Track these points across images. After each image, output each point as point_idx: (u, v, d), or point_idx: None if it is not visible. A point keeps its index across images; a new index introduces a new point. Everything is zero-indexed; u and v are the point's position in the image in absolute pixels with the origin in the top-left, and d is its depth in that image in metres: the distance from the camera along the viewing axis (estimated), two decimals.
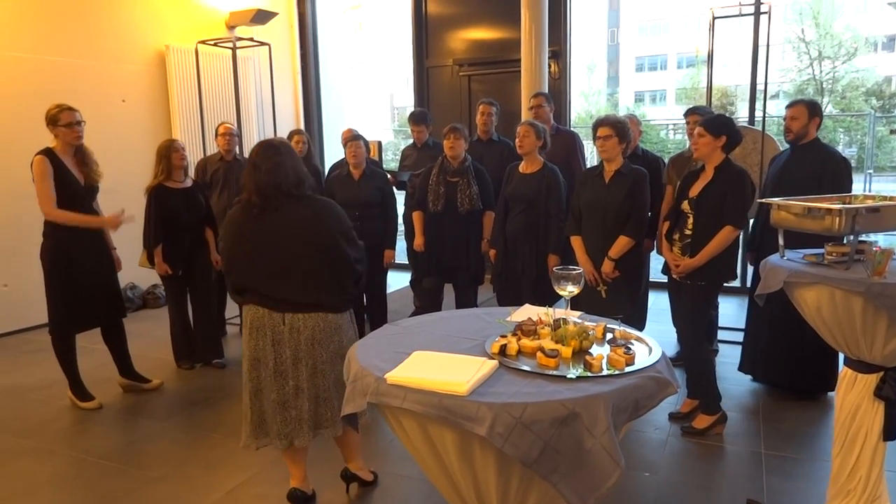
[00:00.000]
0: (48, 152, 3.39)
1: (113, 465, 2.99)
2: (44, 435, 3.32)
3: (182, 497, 2.71)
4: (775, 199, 2.66)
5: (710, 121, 3.09)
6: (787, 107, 3.54)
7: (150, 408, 3.66)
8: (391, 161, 12.38)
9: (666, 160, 4.22)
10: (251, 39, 5.75)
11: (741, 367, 3.83)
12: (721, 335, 4.39)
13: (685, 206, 3.15)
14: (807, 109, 3.44)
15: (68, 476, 2.91)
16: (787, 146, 3.68)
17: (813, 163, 3.41)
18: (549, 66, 5.90)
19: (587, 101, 29.77)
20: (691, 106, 4.15)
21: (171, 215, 3.95)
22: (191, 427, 3.39)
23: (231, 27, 6.59)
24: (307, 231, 2.30)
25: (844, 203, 2.45)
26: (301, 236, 2.29)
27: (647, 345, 1.80)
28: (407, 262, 5.11)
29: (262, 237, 2.30)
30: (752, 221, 3.89)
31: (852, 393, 2.24)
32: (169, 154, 3.93)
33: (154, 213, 3.92)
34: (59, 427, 3.43)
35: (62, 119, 3.39)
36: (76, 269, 3.45)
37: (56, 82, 5.23)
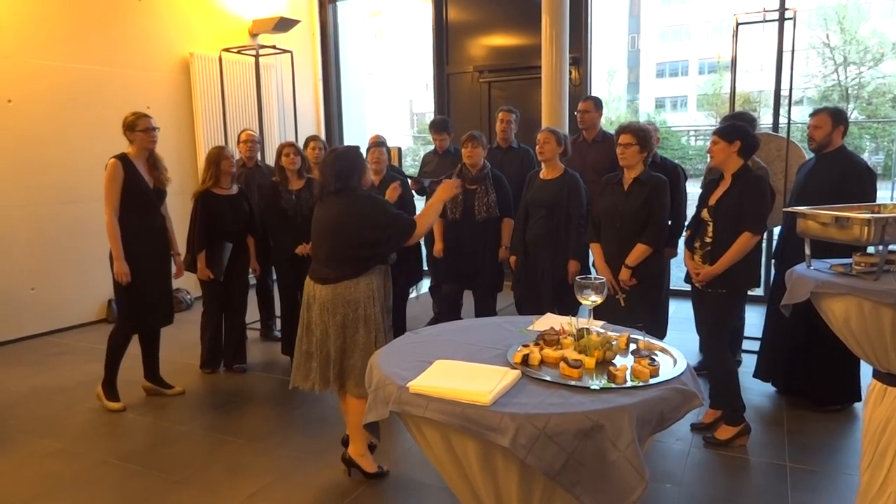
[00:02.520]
0: (123, 157, 3.50)
1: (135, 467, 3.02)
2: (68, 437, 3.37)
3: (203, 501, 2.73)
4: (801, 208, 2.62)
5: (723, 127, 3.09)
6: (811, 115, 3.48)
7: (172, 411, 3.70)
8: (410, 167, 12.43)
9: (685, 167, 4.18)
10: (273, 47, 5.82)
11: (756, 374, 3.79)
12: (746, 345, 4.33)
13: (705, 213, 3.12)
14: (830, 118, 3.38)
15: (92, 478, 2.94)
16: (812, 154, 3.63)
17: (835, 171, 3.35)
18: (570, 73, 5.88)
19: (607, 108, 29.49)
20: (727, 114, 4.07)
21: (215, 221, 4.00)
22: (213, 431, 3.42)
23: (254, 35, 6.68)
24: (335, 221, 2.71)
25: (873, 212, 2.41)
26: (331, 224, 2.71)
27: (671, 356, 1.78)
28: (426, 269, 5.12)
29: (316, 222, 2.81)
30: (777, 229, 3.84)
31: (882, 407, 2.20)
32: (219, 160, 3.99)
33: (200, 218, 3.97)
34: (83, 429, 3.47)
35: (140, 125, 3.51)
36: (140, 272, 3.52)
37: (84, 89, 5.33)
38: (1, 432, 3.43)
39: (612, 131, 3.90)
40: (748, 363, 4.16)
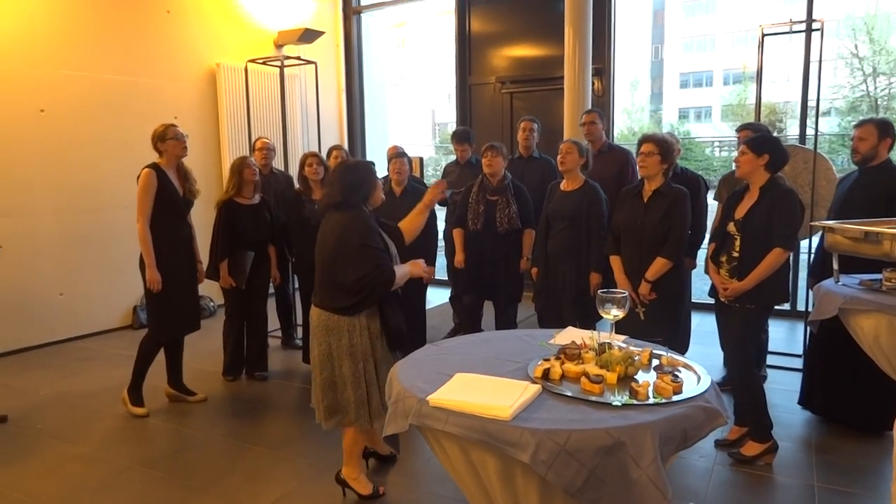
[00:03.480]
0: (155, 167, 3.56)
1: (158, 473, 3.06)
2: (93, 441, 3.42)
3: None
4: (829, 223, 2.58)
5: (753, 138, 3.02)
6: (856, 126, 3.35)
7: (194, 418, 3.73)
8: (431, 177, 12.47)
9: (707, 178, 4.13)
10: (298, 58, 5.89)
11: (801, 401, 3.61)
12: (770, 360, 4.25)
13: (731, 227, 3.06)
14: (877, 130, 3.25)
15: (116, 484, 2.98)
16: (844, 166, 3.54)
17: (880, 186, 3.21)
18: (593, 84, 5.86)
19: (630, 118, 29.47)
20: (742, 123, 4.04)
21: (238, 230, 4.05)
22: (233, 438, 3.44)
23: (279, 46, 6.77)
24: (329, 238, 2.58)
25: None
26: (325, 241, 2.59)
27: (695, 372, 1.75)
28: (447, 279, 5.12)
29: (319, 239, 2.67)
30: (814, 245, 3.72)
31: None
32: (242, 170, 4.05)
33: (222, 226, 4.03)
34: (108, 434, 3.52)
35: (170, 133, 3.58)
36: (170, 280, 3.58)
37: (113, 99, 5.45)
38: (28, 436, 3.50)
39: (634, 142, 3.88)
40: (776, 380, 4.08)
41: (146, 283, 3.56)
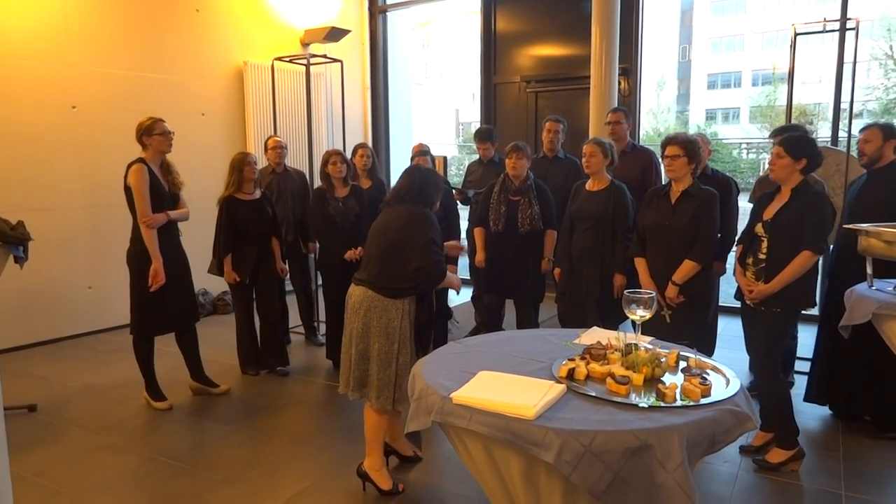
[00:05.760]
0: (142, 161, 3.60)
1: (182, 465, 3.09)
2: (119, 432, 3.47)
3: (245, 502, 2.77)
4: (864, 226, 2.52)
5: (790, 141, 2.91)
6: (861, 130, 3.43)
7: (216, 411, 3.77)
8: (454, 176, 12.46)
9: (738, 180, 4.07)
10: (324, 56, 5.92)
11: (807, 398, 3.64)
12: (798, 366, 4.16)
13: (759, 228, 3.00)
14: (881, 132, 3.32)
15: (141, 474, 3.03)
16: (864, 170, 3.51)
17: (888, 187, 3.27)
18: (619, 84, 5.80)
19: (656, 119, 29.14)
20: (779, 126, 3.97)
21: (239, 226, 4.09)
22: (255, 432, 3.47)
23: (305, 44, 6.82)
24: (396, 225, 2.70)
25: None
26: (390, 227, 2.71)
27: (723, 375, 1.72)
28: (469, 278, 5.11)
29: (377, 225, 2.80)
30: (831, 247, 3.70)
31: None
32: (241, 167, 4.09)
33: (224, 223, 4.07)
34: (133, 425, 3.58)
35: (157, 129, 3.61)
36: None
37: (143, 96, 5.53)
38: (57, 425, 3.57)
39: (659, 143, 3.83)
40: (802, 385, 4.00)
41: (134, 279, 3.58)
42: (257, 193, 4.22)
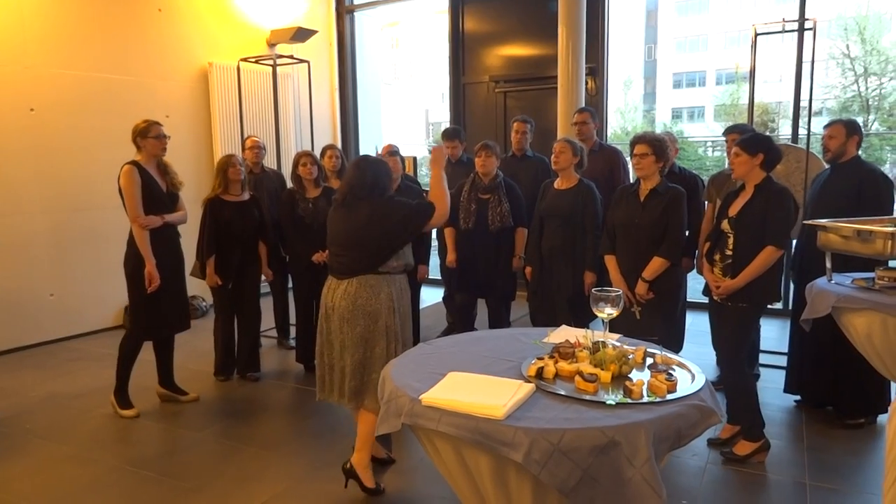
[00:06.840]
0: (135, 163, 3.53)
1: (150, 474, 3.03)
2: (84, 442, 3.39)
3: None
4: (822, 221, 2.58)
5: (745, 140, 3.03)
6: (825, 126, 3.54)
7: (186, 418, 3.70)
8: (425, 176, 12.46)
9: (704, 178, 4.16)
10: (291, 57, 5.87)
11: (787, 389, 3.73)
12: (763, 359, 4.26)
13: (725, 225, 3.07)
14: (844, 128, 3.43)
15: (107, 484, 2.95)
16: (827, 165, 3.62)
17: (851, 180, 3.37)
18: (586, 83, 5.86)
19: (623, 118, 29.54)
20: (730, 124, 4.09)
21: (224, 227, 4.02)
22: (225, 439, 3.42)
23: (272, 45, 6.74)
24: (363, 223, 2.70)
25: None
26: (359, 225, 2.70)
27: (689, 371, 1.75)
28: (440, 278, 5.11)
29: (338, 224, 2.78)
30: (794, 242, 3.81)
31: None
32: (226, 168, 4.03)
33: (208, 225, 4.00)
34: (98, 434, 3.49)
35: (151, 132, 3.55)
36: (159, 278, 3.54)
37: (104, 98, 5.41)
38: (18, 436, 3.46)
39: (627, 142, 3.88)
40: (768, 378, 4.09)
41: (130, 282, 3.51)
42: (245, 195, 4.16)
